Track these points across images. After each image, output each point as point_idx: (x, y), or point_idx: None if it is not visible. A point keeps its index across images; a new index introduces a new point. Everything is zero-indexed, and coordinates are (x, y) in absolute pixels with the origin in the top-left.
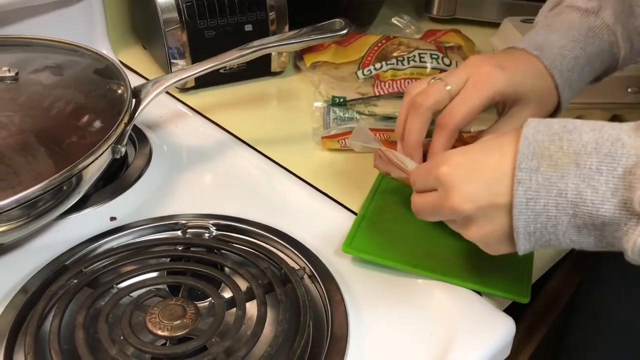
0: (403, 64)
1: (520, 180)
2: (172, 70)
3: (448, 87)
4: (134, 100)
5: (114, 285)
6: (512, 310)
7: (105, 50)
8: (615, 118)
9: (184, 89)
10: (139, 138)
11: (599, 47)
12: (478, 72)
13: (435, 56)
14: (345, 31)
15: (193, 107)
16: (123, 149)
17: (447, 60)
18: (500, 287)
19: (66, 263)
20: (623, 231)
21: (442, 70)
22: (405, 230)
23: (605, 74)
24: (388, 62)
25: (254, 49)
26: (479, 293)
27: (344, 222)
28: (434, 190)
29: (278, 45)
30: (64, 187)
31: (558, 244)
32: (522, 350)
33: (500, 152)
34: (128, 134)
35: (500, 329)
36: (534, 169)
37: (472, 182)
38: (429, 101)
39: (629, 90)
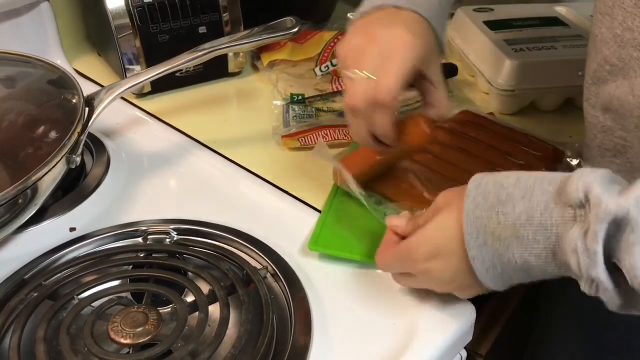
0: None
1: (474, 257)
2: (127, 76)
3: (365, 74)
4: (87, 109)
5: (75, 296)
6: (475, 296)
7: (59, 59)
8: (568, 101)
9: (140, 95)
10: (96, 146)
11: None
12: (391, 42)
13: None
14: (296, 29)
15: (151, 112)
16: (78, 159)
17: None
18: None
19: (25, 277)
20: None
21: None
22: (369, 224)
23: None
24: None
25: (206, 51)
26: None
27: (307, 219)
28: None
29: (230, 46)
30: (19, 200)
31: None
32: (488, 333)
33: (452, 233)
34: (82, 142)
35: (460, 315)
36: (482, 245)
37: (447, 269)
38: (360, 101)
39: (580, 73)
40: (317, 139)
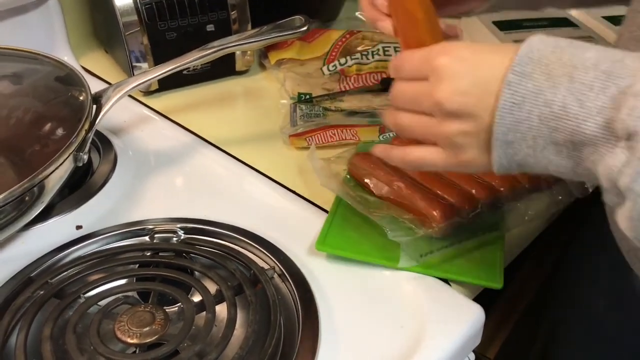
0: (367, 58)
1: (510, 82)
2: (135, 74)
3: None
4: (94, 107)
5: (81, 295)
6: (483, 298)
7: (67, 56)
8: None
9: (148, 93)
10: (103, 144)
11: None
12: None
13: (400, 49)
14: (305, 28)
15: (158, 110)
16: (85, 157)
17: None
18: (473, 275)
19: (32, 275)
20: (600, 154)
21: None
22: (376, 225)
23: None
24: (353, 57)
25: (214, 49)
26: (448, 283)
27: (314, 219)
28: (422, 80)
29: (238, 45)
30: (26, 198)
31: (535, 163)
32: (496, 336)
33: (504, 53)
34: (90, 140)
35: (469, 318)
36: (527, 74)
37: (468, 77)
38: None
39: None
40: (324, 138)
